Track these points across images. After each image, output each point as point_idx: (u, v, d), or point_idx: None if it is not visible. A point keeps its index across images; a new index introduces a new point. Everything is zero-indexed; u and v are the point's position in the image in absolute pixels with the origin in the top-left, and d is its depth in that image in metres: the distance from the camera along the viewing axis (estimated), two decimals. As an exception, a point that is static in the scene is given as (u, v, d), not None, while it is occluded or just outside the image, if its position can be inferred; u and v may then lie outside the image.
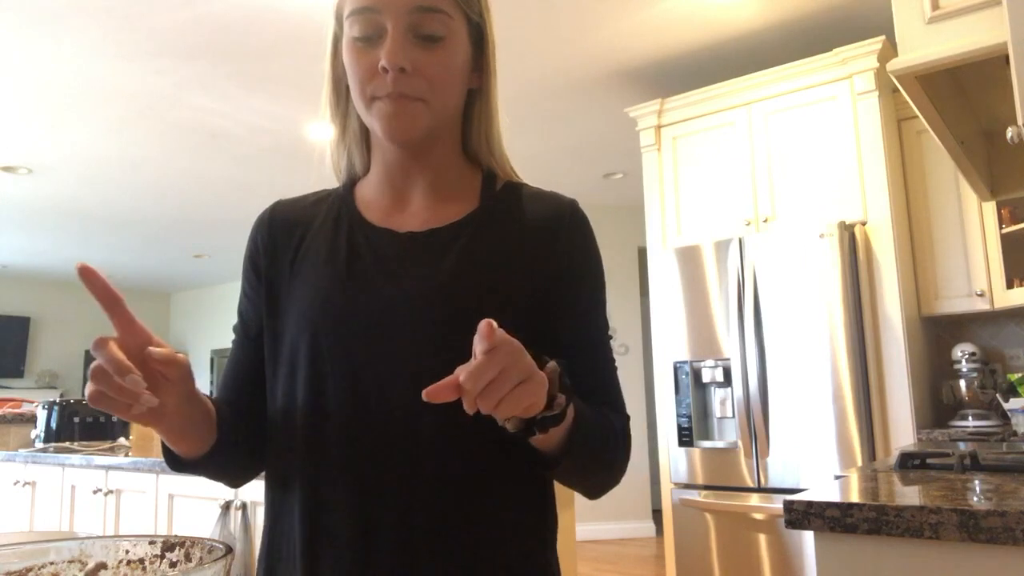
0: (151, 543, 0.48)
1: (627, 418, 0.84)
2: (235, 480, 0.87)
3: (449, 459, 0.74)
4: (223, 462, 0.81)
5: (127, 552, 0.48)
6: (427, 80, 0.77)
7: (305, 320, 0.79)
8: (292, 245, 0.85)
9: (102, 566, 0.48)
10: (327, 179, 0.94)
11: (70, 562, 0.48)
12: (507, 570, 0.75)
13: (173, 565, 0.47)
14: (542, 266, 0.81)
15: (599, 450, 0.76)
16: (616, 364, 0.87)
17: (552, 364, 0.66)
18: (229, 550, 0.45)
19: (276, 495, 0.81)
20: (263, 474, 0.85)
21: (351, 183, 0.89)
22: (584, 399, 0.78)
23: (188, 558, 0.47)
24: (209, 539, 0.47)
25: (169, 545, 0.48)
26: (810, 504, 1.09)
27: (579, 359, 0.81)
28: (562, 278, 0.82)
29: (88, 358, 9.51)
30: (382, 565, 0.72)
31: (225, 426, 0.79)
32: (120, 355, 0.60)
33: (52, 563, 0.47)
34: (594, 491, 0.81)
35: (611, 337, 0.88)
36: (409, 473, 0.74)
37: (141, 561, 0.48)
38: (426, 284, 0.77)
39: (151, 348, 0.64)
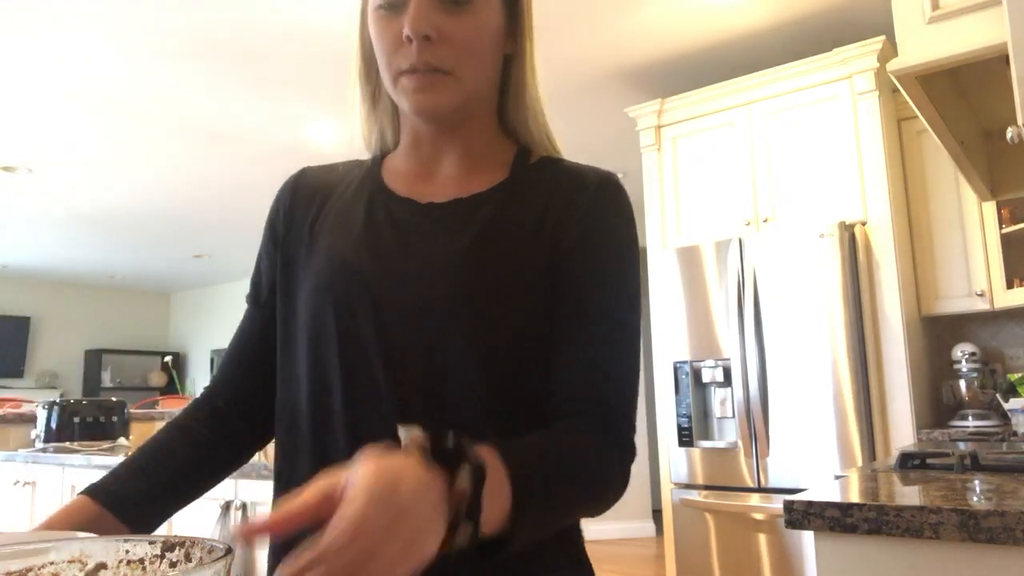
0: (151, 543, 0.48)
1: (623, 424, 0.74)
2: (234, 468, 0.86)
3: None
4: (181, 501, 0.79)
5: (127, 552, 0.48)
6: (454, 49, 0.72)
7: (316, 288, 0.76)
8: (312, 211, 0.83)
9: (102, 566, 0.48)
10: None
11: (70, 562, 0.48)
12: (527, 562, 0.70)
13: (173, 565, 0.47)
14: (560, 237, 0.75)
15: (567, 504, 0.66)
16: (633, 355, 0.77)
17: (462, 488, 0.51)
18: (229, 550, 0.45)
19: (282, 476, 0.77)
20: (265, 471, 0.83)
21: (381, 155, 0.86)
22: (567, 394, 0.72)
23: (188, 558, 0.47)
24: (209, 539, 0.47)
25: (169, 545, 0.48)
26: (810, 504, 1.08)
27: (570, 336, 0.73)
28: (575, 248, 0.75)
29: (88, 358, 9.53)
30: None
31: (159, 495, 0.76)
32: None
33: (52, 563, 0.47)
34: (588, 516, 0.73)
35: (638, 332, 0.78)
36: None
37: (141, 561, 0.48)
38: (440, 255, 0.73)
39: None
